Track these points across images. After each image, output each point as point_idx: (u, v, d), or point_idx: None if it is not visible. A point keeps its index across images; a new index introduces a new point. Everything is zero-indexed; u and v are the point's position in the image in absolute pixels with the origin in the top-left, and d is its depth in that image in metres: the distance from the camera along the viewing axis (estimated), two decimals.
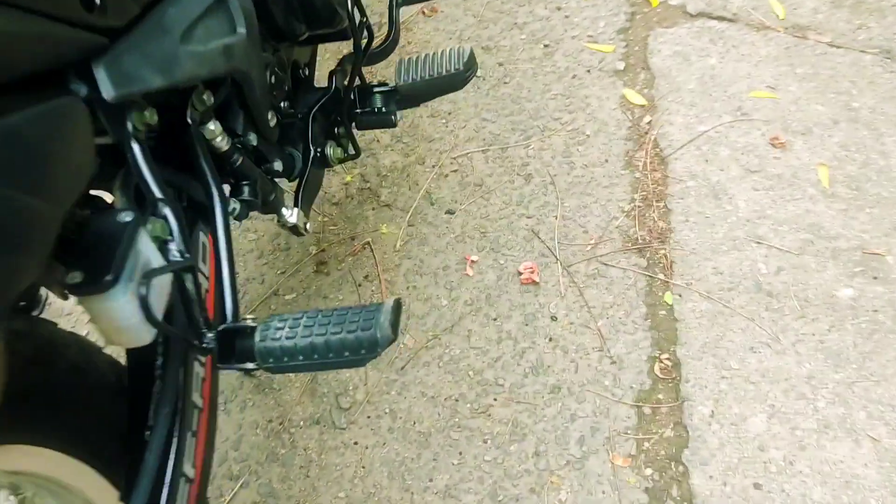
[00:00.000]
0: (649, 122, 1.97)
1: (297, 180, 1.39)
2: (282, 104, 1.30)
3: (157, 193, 0.76)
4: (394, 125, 1.55)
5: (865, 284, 1.65)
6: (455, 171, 1.91)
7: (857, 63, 2.03)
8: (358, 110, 1.52)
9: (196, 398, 0.88)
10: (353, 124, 1.53)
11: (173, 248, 0.76)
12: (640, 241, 1.77)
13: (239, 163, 1.07)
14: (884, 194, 1.78)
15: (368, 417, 1.58)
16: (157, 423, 0.80)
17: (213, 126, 1.00)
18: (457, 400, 1.58)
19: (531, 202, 1.85)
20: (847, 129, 1.91)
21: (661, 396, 1.56)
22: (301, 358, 0.66)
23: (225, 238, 0.89)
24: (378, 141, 1.96)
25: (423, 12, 2.33)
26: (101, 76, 0.69)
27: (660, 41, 2.17)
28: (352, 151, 1.51)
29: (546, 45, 2.21)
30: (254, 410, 1.61)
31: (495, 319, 1.68)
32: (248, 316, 0.74)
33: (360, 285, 1.76)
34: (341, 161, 1.51)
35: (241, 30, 0.92)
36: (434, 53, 1.49)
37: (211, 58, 0.86)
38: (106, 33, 0.70)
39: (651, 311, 1.67)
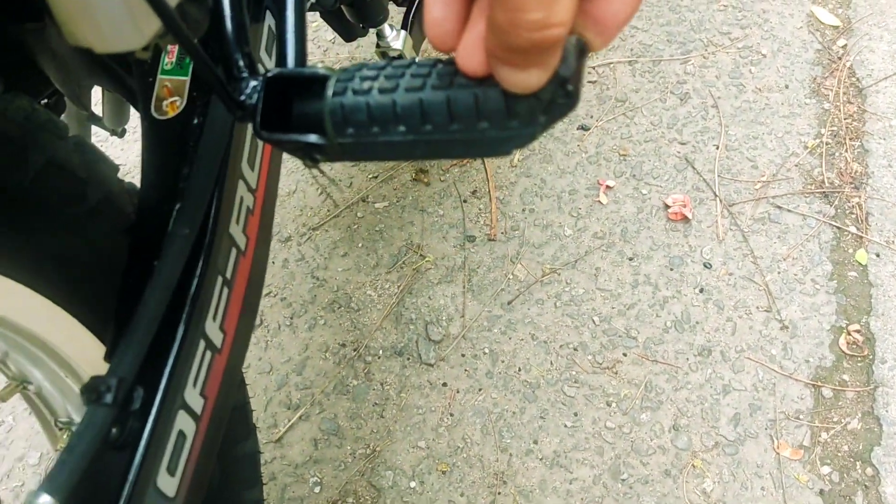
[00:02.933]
0: (844, 47, 1.57)
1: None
2: None
3: None
4: None
5: None
6: (593, 81, 1.57)
7: None
8: None
9: (236, 232, 0.58)
10: None
11: None
12: (827, 185, 1.39)
13: None
14: None
15: (463, 356, 1.26)
16: (166, 251, 0.50)
17: None
18: (575, 349, 1.25)
19: (686, 126, 1.49)
20: None
21: (846, 378, 1.20)
22: (402, 128, 0.31)
23: None
24: None
25: None
26: None
27: None
28: None
29: None
30: (325, 330, 1.31)
31: (631, 259, 1.34)
32: (320, 64, 0.37)
33: (465, 201, 1.44)
34: None
35: None
36: None
37: None
38: None
39: (838, 270, 1.30)
